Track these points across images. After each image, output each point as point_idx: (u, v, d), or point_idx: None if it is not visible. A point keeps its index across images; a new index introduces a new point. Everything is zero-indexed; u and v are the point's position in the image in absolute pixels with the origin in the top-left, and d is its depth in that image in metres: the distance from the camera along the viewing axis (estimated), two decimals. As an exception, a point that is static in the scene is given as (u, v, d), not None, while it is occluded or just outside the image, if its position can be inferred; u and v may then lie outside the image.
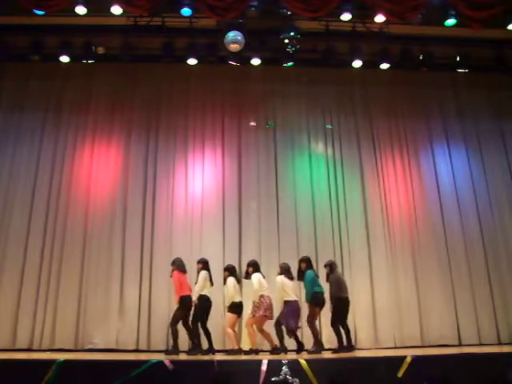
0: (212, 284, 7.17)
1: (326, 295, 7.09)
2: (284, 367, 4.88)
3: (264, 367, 4.94)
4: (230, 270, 7.23)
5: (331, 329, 7.05)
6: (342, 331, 6.99)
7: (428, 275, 8.68)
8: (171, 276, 7.18)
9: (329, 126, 9.49)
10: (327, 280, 7.21)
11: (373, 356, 6.50)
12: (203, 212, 8.83)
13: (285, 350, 6.79)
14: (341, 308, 6.97)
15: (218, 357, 6.38)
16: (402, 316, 8.45)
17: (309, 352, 6.75)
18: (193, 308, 6.97)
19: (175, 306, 7.07)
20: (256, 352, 6.75)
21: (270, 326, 7.02)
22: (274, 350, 6.79)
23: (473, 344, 8.25)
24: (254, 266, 7.18)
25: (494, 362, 5.42)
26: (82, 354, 7.30)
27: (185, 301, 6.92)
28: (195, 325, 6.95)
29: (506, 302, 8.61)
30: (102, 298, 8.20)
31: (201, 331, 7.02)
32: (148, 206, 8.77)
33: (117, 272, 8.36)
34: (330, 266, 7.28)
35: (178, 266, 7.14)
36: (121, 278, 8.34)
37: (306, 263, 7.19)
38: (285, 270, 7.04)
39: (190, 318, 6.99)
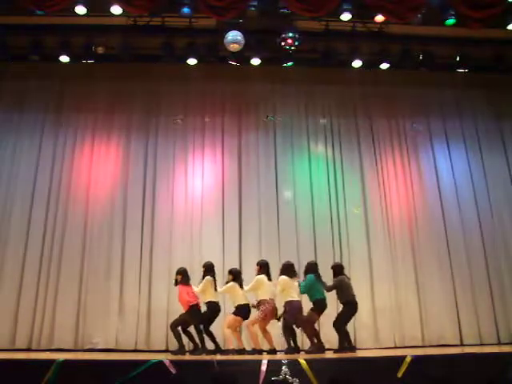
0: (216, 290, 6.96)
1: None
2: (284, 367, 4.87)
3: (264, 367, 4.93)
4: (233, 274, 7.02)
5: (329, 329, 7.02)
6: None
7: (428, 275, 8.68)
8: (175, 284, 7.05)
9: (323, 121, 9.46)
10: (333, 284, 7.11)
11: (373, 356, 6.49)
12: (203, 212, 8.83)
13: (298, 350, 6.72)
14: (345, 312, 6.95)
15: (218, 357, 6.37)
16: (402, 316, 8.45)
17: (306, 352, 6.72)
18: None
19: (174, 306, 7.03)
20: (260, 352, 6.66)
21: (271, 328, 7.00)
22: (272, 351, 6.73)
23: (474, 344, 8.25)
24: (261, 267, 7.04)
25: (493, 361, 5.41)
26: (82, 354, 7.29)
27: (194, 309, 6.82)
28: (198, 328, 6.85)
29: (505, 302, 8.61)
30: (101, 298, 8.19)
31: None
32: (147, 206, 8.77)
33: (116, 272, 8.36)
34: (332, 269, 7.22)
35: (183, 278, 6.97)
36: (120, 277, 8.34)
37: (307, 267, 7.05)
38: (284, 269, 6.95)
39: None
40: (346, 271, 7.62)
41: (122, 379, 4.83)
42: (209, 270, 7.02)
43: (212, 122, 9.41)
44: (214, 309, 6.89)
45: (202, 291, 6.91)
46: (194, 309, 6.82)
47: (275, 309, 6.84)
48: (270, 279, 6.95)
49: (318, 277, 6.97)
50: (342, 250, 8.75)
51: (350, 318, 7.03)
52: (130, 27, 8.41)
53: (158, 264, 8.40)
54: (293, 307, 6.70)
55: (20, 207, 8.58)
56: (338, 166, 9.33)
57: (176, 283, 7.02)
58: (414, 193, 9.26)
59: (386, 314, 8.42)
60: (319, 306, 6.83)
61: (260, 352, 6.67)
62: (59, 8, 7.31)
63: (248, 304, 6.88)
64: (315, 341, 6.85)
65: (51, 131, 9.11)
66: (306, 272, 7.01)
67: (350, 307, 6.92)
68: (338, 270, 7.20)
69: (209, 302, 6.89)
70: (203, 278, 6.98)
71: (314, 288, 6.86)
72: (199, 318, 6.86)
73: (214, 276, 7.02)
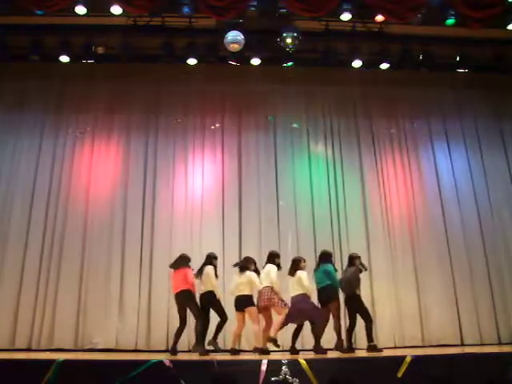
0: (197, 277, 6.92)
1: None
2: (284, 367, 4.87)
3: (264, 367, 4.93)
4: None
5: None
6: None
7: (428, 275, 8.68)
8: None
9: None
10: None
11: (373, 356, 6.48)
12: (203, 212, 8.83)
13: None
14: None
15: (218, 357, 6.37)
16: (402, 316, 8.45)
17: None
18: None
19: (175, 306, 6.97)
20: (264, 352, 6.41)
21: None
22: (256, 350, 6.55)
23: (474, 344, 8.25)
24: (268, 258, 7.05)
25: (494, 361, 5.41)
26: (82, 354, 7.29)
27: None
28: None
29: (505, 302, 8.61)
30: (101, 298, 8.19)
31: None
32: (148, 206, 8.78)
33: (116, 272, 8.35)
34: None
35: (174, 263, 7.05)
36: (120, 277, 8.34)
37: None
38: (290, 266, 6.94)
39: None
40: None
41: (122, 379, 4.83)
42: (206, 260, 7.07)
43: (212, 122, 9.40)
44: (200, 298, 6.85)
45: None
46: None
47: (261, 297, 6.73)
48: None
49: (318, 267, 7.00)
50: (342, 249, 8.74)
51: (348, 314, 7.06)
52: (130, 27, 8.41)
53: (158, 264, 8.39)
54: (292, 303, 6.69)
55: (20, 207, 8.58)
56: (337, 166, 9.33)
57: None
58: (414, 193, 9.26)
59: (386, 314, 8.41)
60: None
61: (268, 352, 6.43)
62: (59, 8, 7.31)
63: (238, 295, 6.77)
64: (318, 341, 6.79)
65: (51, 131, 9.11)
66: None
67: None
68: (350, 261, 7.22)
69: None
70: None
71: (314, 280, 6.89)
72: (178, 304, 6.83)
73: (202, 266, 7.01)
